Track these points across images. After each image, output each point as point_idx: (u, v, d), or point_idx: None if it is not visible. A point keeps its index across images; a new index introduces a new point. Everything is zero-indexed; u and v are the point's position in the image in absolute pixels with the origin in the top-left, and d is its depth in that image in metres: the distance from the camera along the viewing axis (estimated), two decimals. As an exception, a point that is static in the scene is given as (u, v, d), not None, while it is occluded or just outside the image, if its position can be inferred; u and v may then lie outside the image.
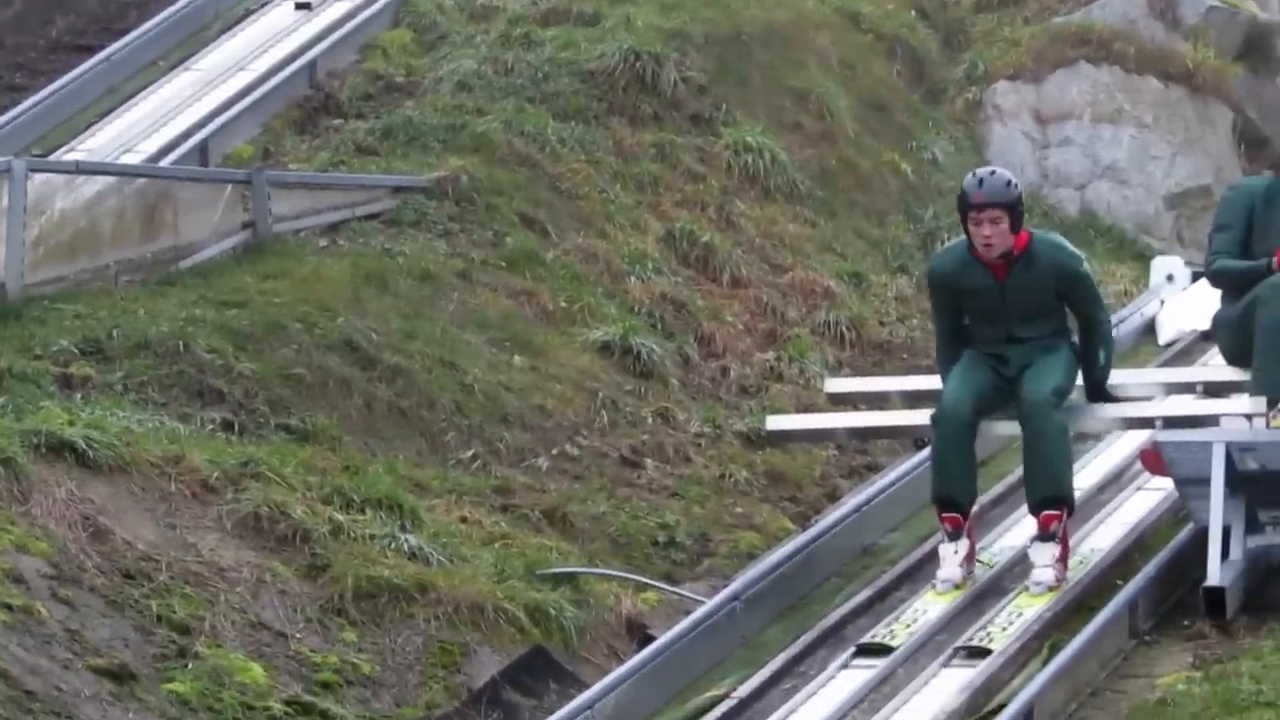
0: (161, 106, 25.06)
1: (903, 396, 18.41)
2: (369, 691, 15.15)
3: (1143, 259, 25.33)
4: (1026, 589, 12.70)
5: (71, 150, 23.38)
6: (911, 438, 20.05)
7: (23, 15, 26.70)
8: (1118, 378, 18.62)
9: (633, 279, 23.00)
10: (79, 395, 17.96)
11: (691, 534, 19.52)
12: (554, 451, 20.24)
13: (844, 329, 23.84)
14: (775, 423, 19.42)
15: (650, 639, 16.01)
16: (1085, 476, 17.71)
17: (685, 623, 15.30)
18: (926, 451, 17.01)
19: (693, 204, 24.85)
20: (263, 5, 27.00)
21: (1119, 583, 15.01)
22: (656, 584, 18.20)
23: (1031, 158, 28.07)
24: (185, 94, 25.32)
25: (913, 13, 28.82)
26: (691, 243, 23.99)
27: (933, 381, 17.38)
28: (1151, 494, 17.37)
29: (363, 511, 17.01)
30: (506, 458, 19.82)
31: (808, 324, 24.02)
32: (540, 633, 16.54)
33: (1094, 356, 12.68)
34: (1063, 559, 12.61)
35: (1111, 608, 14.49)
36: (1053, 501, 12.24)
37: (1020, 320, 12.10)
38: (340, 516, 16.70)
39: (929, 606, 13.12)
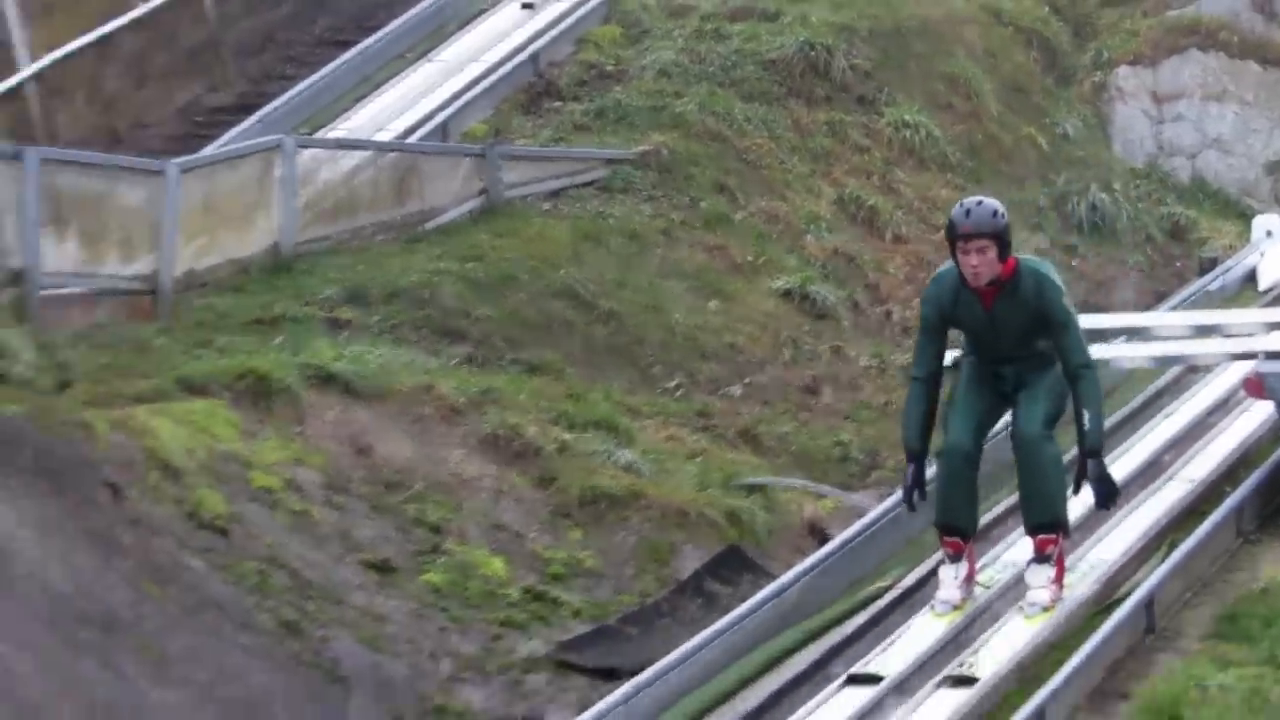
0: (408, 92, 25.40)
1: None
2: (592, 582, 15.43)
3: (1245, 218, 25.32)
4: (1021, 609, 12.03)
5: (333, 129, 23.68)
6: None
7: (292, 15, 27.05)
8: (1224, 318, 19.49)
9: (809, 236, 23.37)
10: (343, 335, 18.19)
11: (862, 450, 19.88)
12: (745, 381, 20.64)
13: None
14: None
15: (828, 538, 16.35)
16: (1196, 403, 18.22)
17: (857, 525, 15.82)
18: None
19: (859, 172, 24.99)
20: (494, 5, 27.34)
21: (1227, 490, 15.45)
22: (833, 492, 18.49)
23: (1149, 132, 27.83)
24: (428, 81, 25.69)
25: (1046, 8, 28.98)
26: (859, 205, 24.19)
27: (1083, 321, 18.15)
28: (1254, 416, 17.50)
29: (584, 431, 17.34)
30: (705, 386, 20.24)
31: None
32: (735, 533, 16.95)
33: (1079, 414, 11.38)
34: (1058, 580, 11.93)
35: (1220, 512, 14.93)
36: (1048, 527, 11.52)
37: (1011, 343, 11.36)
38: (566, 436, 17.08)
39: (927, 626, 12.32)
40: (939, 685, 11.31)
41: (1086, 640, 12.66)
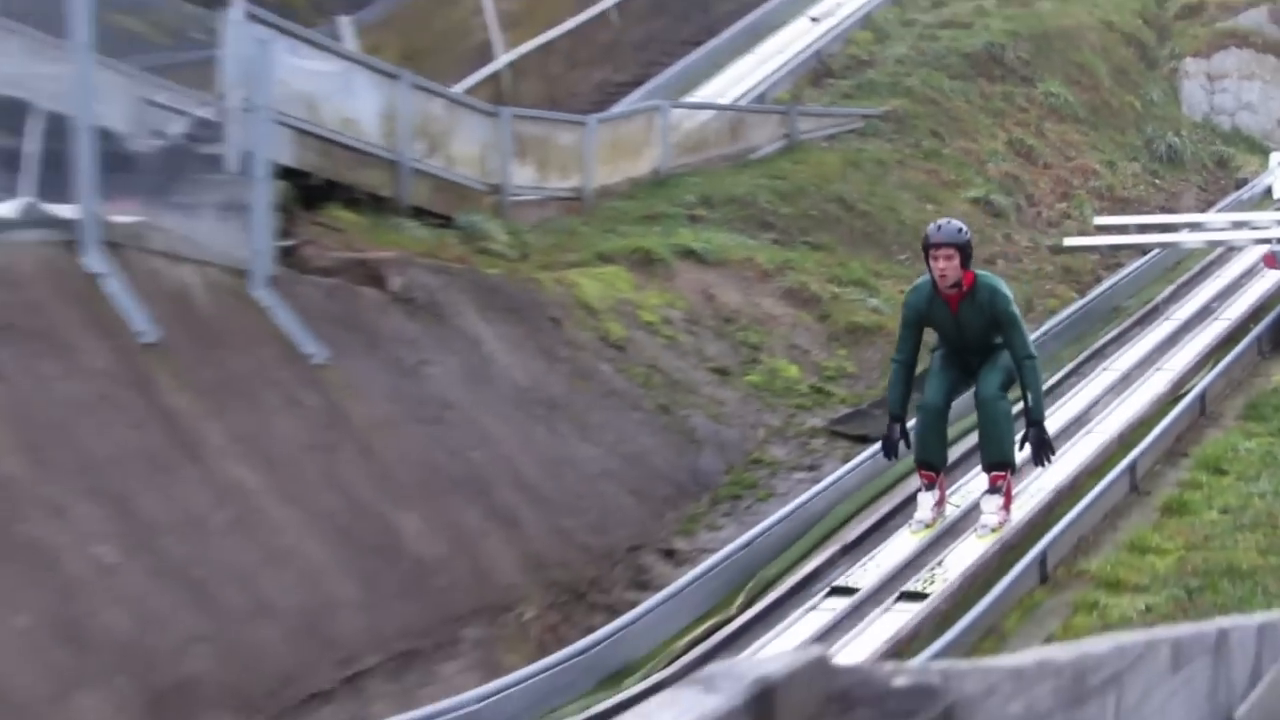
0: (738, 74, 27.43)
1: (1137, 228, 23.56)
2: (852, 381, 17.39)
3: (1264, 153, 29.31)
4: (975, 531, 11.54)
5: (691, 96, 25.52)
6: (1142, 249, 22.56)
7: (667, 25, 29.30)
8: (1251, 217, 23.02)
9: (989, 165, 26.08)
10: (698, 225, 20.31)
11: (1023, 297, 21.27)
12: None
13: (1103, 190, 26.82)
14: (1068, 241, 23.76)
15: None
16: (1233, 270, 20.72)
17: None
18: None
19: (1022, 125, 27.86)
20: (791, 19, 29.66)
21: (1251, 326, 18.20)
22: (1005, 325, 20.41)
23: (1204, 99, 31.69)
24: (750, 67, 27.48)
25: (1140, 21, 32.78)
26: (1021, 145, 27.10)
27: (1154, 218, 23.58)
28: (1268, 280, 20.28)
29: (847, 287, 19.42)
30: (922, 258, 22.41)
31: (1084, 189, 27.07)
32: None
33: (1024, 394, 11.03)
34: (1006, 507, 11.46)
35: (1247, 339, 17.57)
36: (999, 465, 11.06)
37: (972, 339, 10.94)
38: (836, 289, 19.27)
39: (903, 543, 11.87)
40: (897, 599, 11.08)
41: (1164, 417, 14.82)
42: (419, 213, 17.58)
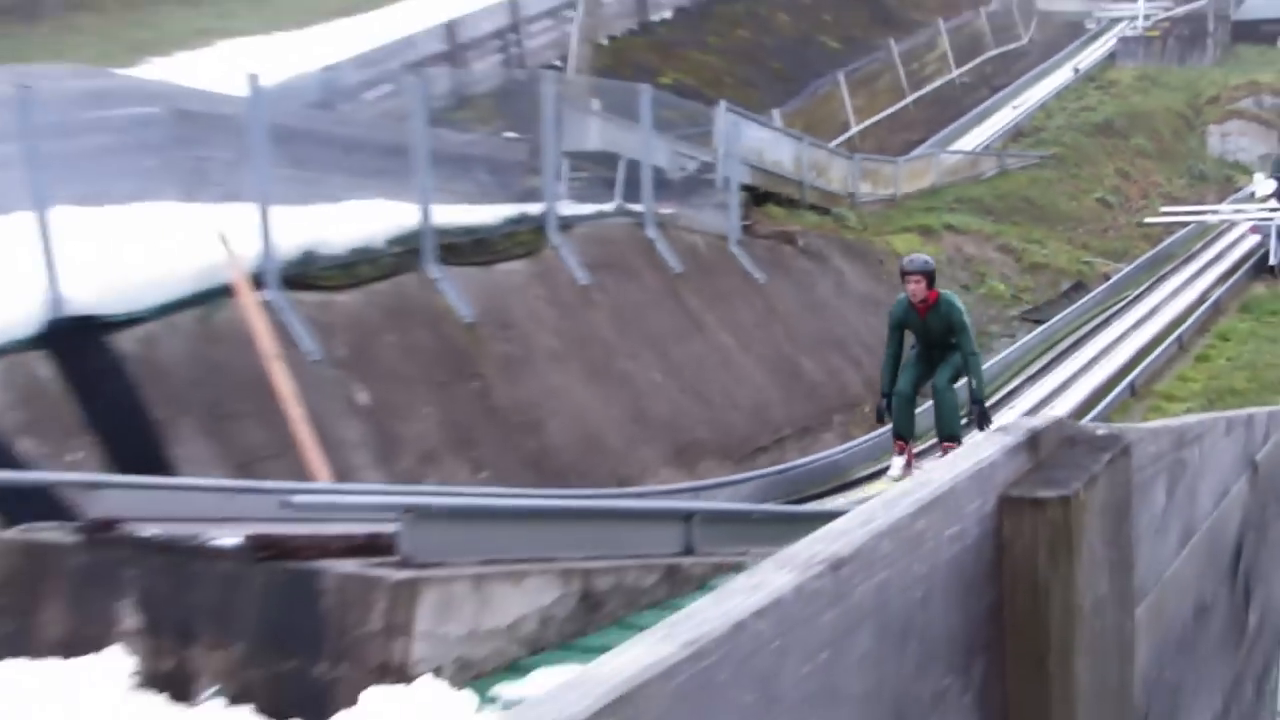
0: (974, 135, 32.49)
1: (1183, 212, 27.03)
2: (1032, 293, 20.91)
3: (1250, 174, 31.36)
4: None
5: (950, 146, 29.88)
6: (1185, 224, 25.86)
7: (938, 111, 32.66)
8: (1244, 207, 27.68)
9: (1105, 180, 30.62)
10: (952, 213, 23.53)
11: (1120, 250, 24.55)
12: (1081, 229, 26.83)
13: (1164, 194, 30.01)
14: (1147, 220, 27.27)
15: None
16: (1234, 233, 25.53)
17: (1111, 280, 21.99)
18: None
19: (1122, 160, 31.63)
20: (1001, 108, 34.08)
21: (1242, 264, 23.19)
22: (1112, 264, 24.14)
23: (1219, 145, 34.55)
24: (981, 132, 32.69)
25: (1186, 105, 35.86)
26: (1122, 171, 31.28)
27: (1192, 208, 26.66)
28: (1251, 241, 24.32)
29: (1030, 244, 24.23)
30: (1071, 229, 26.41)
31: (1154, 193, 30.11)
32: (1080, 277, 23.00)
33: (970, 380, 10.71)
34: None
35: (1242, 271, 22.11)
36: (949, 438, 10.85)
37: (935, 338, 10.63)
38: (1024, 245, 24.39)
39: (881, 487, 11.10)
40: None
41: (1195, 311, 19.46)
42: (811, 208, 20.88)
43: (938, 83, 33.40)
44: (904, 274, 10.70)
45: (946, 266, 20.01)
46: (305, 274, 10.55)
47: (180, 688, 5.04)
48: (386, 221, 11.80)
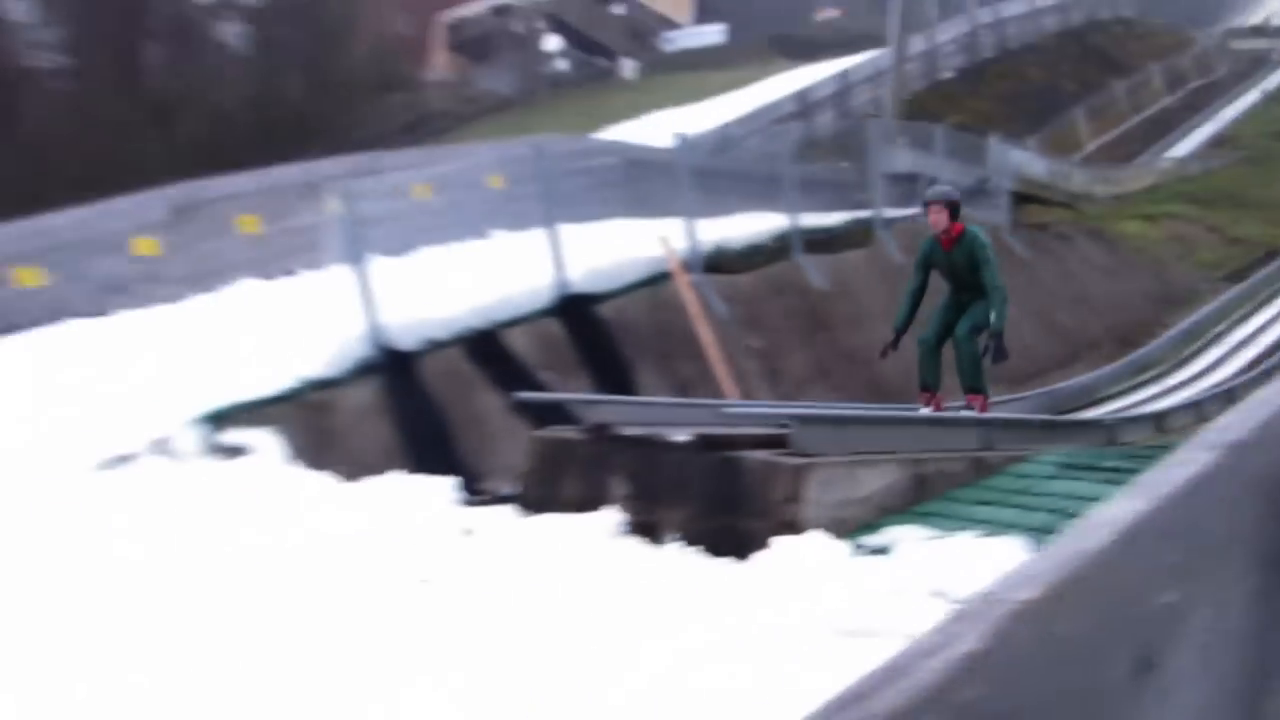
0: (1182, 145, 28.48)
1: None
2: (1235, 260, 18.73)
3: None
4: None
5: (1166, 153, 27.11)
6: None
7: (1156, 130, 29.75)
8: None
9: None
10: (1169, 203, 21.44)
11: None
12: None
13: None
14: None
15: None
16: None
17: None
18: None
19: None
20: (1244, 93, 31.12)
21: None
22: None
23: None
24: (1188, 143, 28.84)
25: None
26: None
27: None
28: None
29: (1235, 225, 20.31)
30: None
31: None
32: None
33: (991, 313, 6.99)
34: None
35: None
36: (971, 389, 7.28)
37: (962, 277, 7.14)
38: (1229, 225, 20.37)
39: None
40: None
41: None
42: (1060, 205, 19.92)
43: (1152, 109, 31.07)
44: (926, 204, 7.35)
45: (1165, 244, 18.84)
46: (717, 262, 10.67)
47: (652, 535, 5.19)
48: (767, 226, 11.90)
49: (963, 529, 4.80)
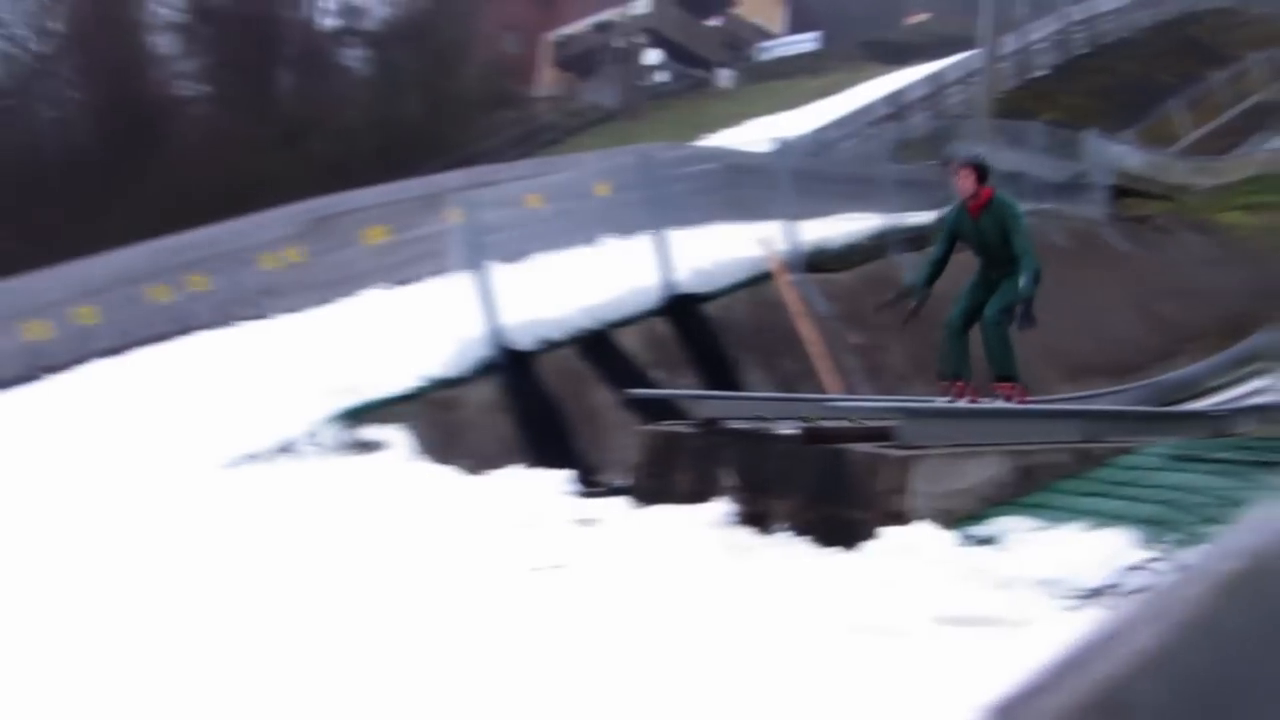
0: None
1: None
2: None
3: None
4: None
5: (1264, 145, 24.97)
6: None
7: (1253, 123, 27.14)
8: None
9: None
10: (1269, 194, 19.58)
11: None
12: None
13: None
14: None
15: None
16: None
17: None
18: None
19: None
20: None
21: None
22: None
23: None
24: None
25: None
26: None
27: None
28: None
29: None
30: None
31: None
32: None
33: (1020, 277, 6.04)
34: None
35: None
36: (1003, 378, 6.38)
37: (992, 249, 6.25)
38: None
39: None
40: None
41: None
42: (1159, 197, 19.16)
43: (1249, 101, 29.12)
44: (954, 167, 6.47)
45: (1266, 235, 17.63)
46: (817, 261, 10.57)
47: (761, 525, 5.15)
48: (864, 225, 11.71)
49: (1069, 520, 4.61)
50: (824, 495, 5.09)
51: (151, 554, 4.79)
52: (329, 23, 30.91)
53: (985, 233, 6.35)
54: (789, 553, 4.81)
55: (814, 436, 5.28)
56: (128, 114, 24.83)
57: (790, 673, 3.40)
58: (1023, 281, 6.18)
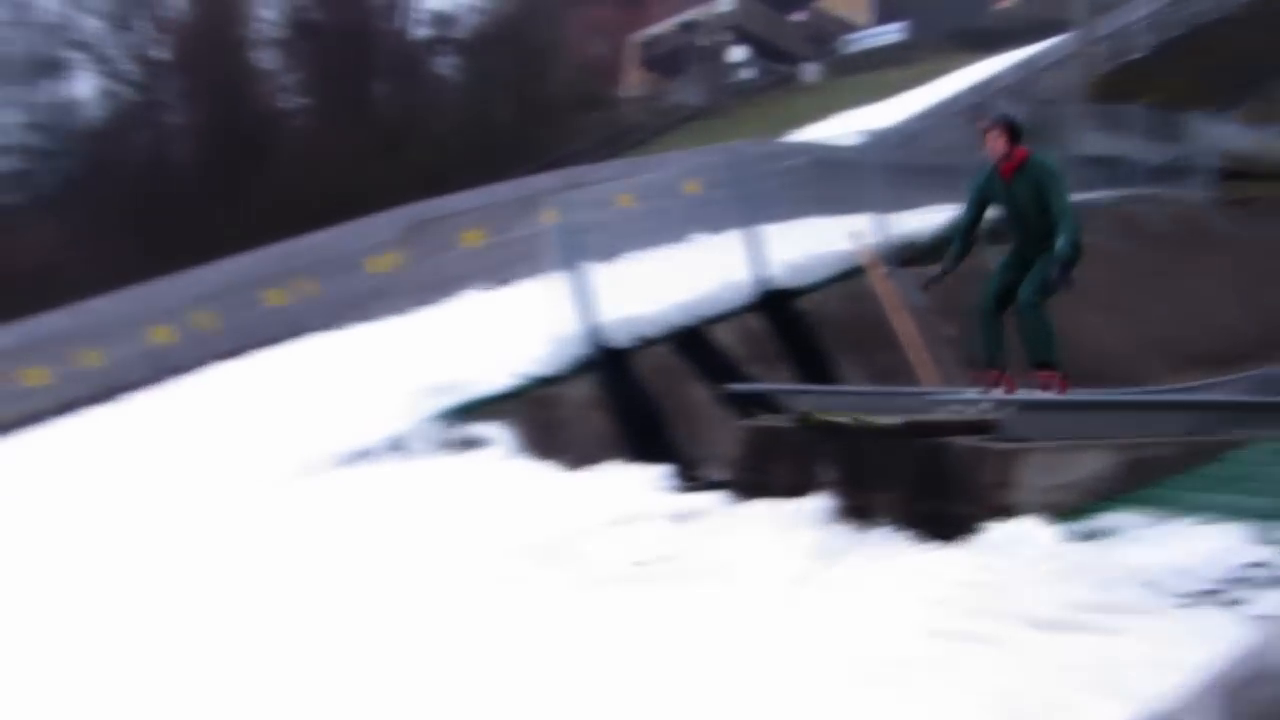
0: None
1: None
2: None
3: None
4: None
5: None
6: None
7: None
8: None
9: None
10: None
11: None
12: None
13: None
14: None
15: None
16: None
17: None
18: None
19: None
20: None
21: None
22: None
23: None
24: None
25: None
26: None
27: None
28: None
29: None
30: None
31: None
32: None
33: (1057, 240, 5.44)
34: None
35: None
36: (1042, 365, 5.76)
37: (1028, 217, 5.64)
38: None
39: None
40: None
41: None
42: (1268, 178, 17.20)
43: (1369, 73, 28.32)
44: (983, 129, 5.83)
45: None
46: (909, 254, 10.36)
47: (862, 519, 5.05)
48: (953, 217, 11.43)
49: (1179, 516, 4.45)
50: (926, 489, 5.00)
51: (275, 546, 4.97)
52: (422, 32, 31.42)
53: (1019, 198, 5.72)
54: (889, 548, 4.73)
55: (914, 429, 5.20)
56: (233, 130, 25.66)
57: (891, 672, 3.34)
58: (1059, 243, 5.51)
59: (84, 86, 28.39)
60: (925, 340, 8.93)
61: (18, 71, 27.15)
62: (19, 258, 21.35)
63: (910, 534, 4.80)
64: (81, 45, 28.09)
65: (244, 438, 6.88)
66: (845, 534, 4.96)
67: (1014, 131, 5.75)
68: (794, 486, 5.43)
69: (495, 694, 3.36)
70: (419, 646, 3.75)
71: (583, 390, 7.52)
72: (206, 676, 3.63)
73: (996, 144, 5.74)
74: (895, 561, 4.52)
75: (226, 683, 3.56)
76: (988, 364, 5.90)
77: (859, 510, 5.12)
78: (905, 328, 8.80)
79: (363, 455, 6.35)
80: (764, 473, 5.77)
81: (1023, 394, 5.84)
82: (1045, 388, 5.75)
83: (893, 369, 8.64)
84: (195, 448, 6.88)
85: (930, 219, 11.18)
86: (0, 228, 23.81)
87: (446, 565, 4.63)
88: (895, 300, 9.13)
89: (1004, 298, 5.84)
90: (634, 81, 38.90)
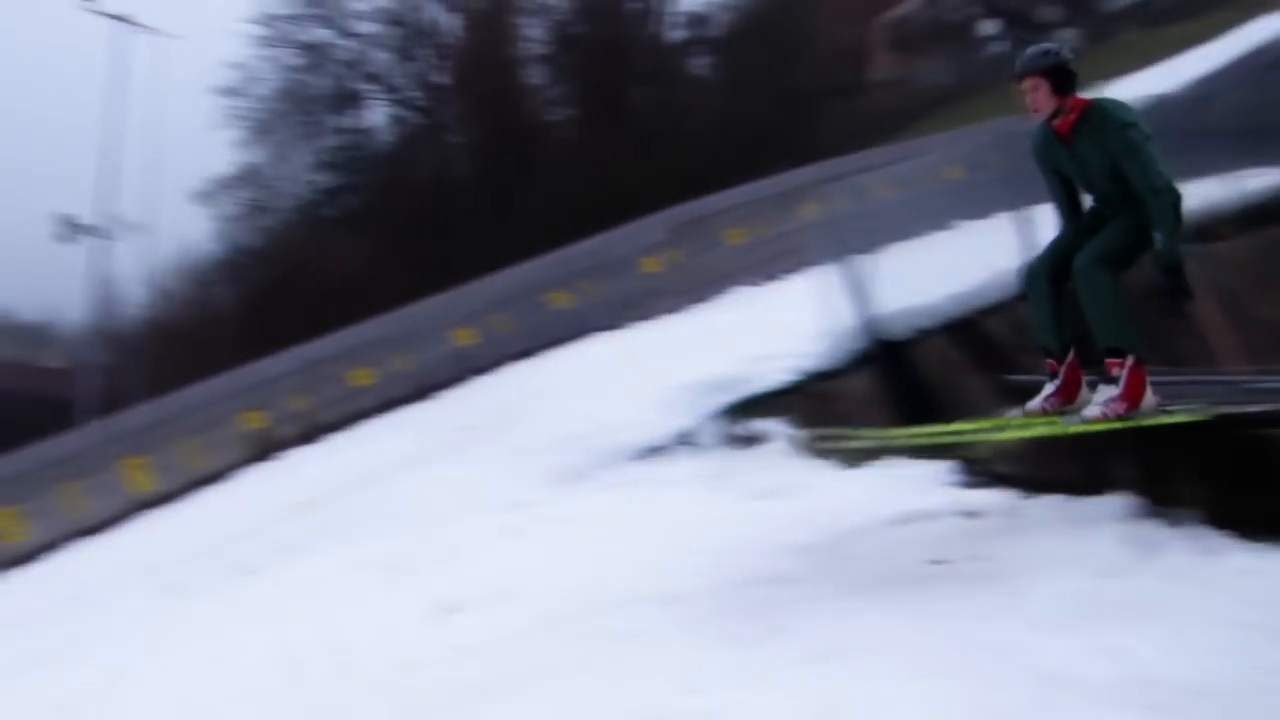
0: None
1: None
2: None
3: None
4: (1063, 413, 4.76)
5: None
6: None
7: None
8: None
9: None
10: None
11: None
12: None
13: None
14: None
15: None
16: None
17: None
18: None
19: None
20: None
21: None
22: None
23: None
24: None
25: None
26: None
27: None
28: None
29: None
30: None
31: None
32: None
33: (1154, 236, 4.31)
34: (1124, 399, 4.55)
35: None
36: (1112, 350, 4.48)
37: (1097, 179, 4.43)
38: None
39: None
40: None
41: None
42: None
43: None
44: (1016, 82, 4.48)
45: None
46: (1207, 227, 8.94)
47: (1166, 517, 4.62)
48: (1262, 184, 10.10)
49: None
50: (1243, 485, 4.57)
51: (589, 532, 5.31)
52: (677, 34, 31.88)
53: (1086, 162, 4.47)
54: (1203, 546, 4.35)
55: (1224, 420, 4.64)
56: (507, 144, 26.92)
57: (1218, 687, 3.16)
58: (1159, 238, 4.28)
59: (377, 115, 31.21)
60: (1231, 322, 8.29)
61: (324, 105, 30.14)
62: (336, 270, 23.31)
63: (1227, 532, 4.37)
64: (374, 78, 30.70)
65: (539, 434, 7.20)
66: (1150, 533, 4.57)
67: (1060, 77, 4.42)
68: (1087, 482, 5.08)
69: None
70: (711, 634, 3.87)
71: (860, 384, 7.36)
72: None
73: (1038, 98, 4.45)
74: (1210, 562, 4.16)
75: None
76: (1048, 352, 4.76)
77: (1163, 508, 4.69)
78: (1206, 309, 8.09)
79: (655, 451, 6.53)
80: (1053, 467, 5.42)
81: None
82: (1114, 379, 4.57)
83: (1191, 355, 7.91)
84: (494, 446, 7.31)
85: (1233, 186, 10.00)
86: (321, 245, 26.06)
87: (739, 561, 4.67)
88: (1192, 279, 8.40)
89: (1059, 268, 4.58)
90: (883, 65, 36.94)
